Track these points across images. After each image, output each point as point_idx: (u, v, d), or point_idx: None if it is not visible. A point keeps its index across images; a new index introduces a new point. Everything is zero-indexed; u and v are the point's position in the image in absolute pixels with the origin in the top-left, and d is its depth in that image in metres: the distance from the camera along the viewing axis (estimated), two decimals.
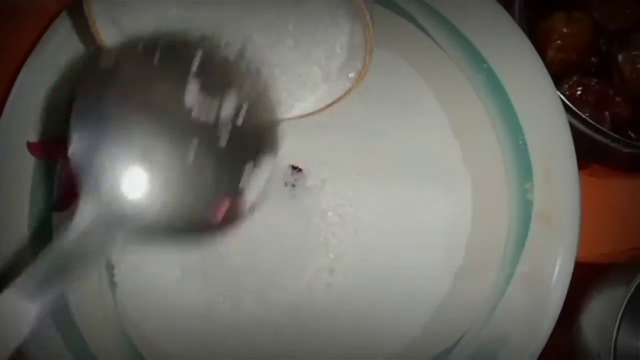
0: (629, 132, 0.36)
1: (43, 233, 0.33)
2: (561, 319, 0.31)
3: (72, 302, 0.34)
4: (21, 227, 0.33)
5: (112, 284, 0.36)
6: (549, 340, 0.31)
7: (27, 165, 0.33)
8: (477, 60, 0.35)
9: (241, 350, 0.35)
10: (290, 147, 0.36)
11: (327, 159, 0.37)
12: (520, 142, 0.34)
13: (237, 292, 0.35)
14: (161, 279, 0.35)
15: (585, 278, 0.33)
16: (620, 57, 0.36)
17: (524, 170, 0.34)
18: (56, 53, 0.33)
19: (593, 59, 0.39)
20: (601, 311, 0.30)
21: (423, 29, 0.36)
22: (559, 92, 0.33)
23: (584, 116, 0.34)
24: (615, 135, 0.34)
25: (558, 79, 0.37)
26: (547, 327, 0.31)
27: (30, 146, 0.33)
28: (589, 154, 0.36)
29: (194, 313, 0.35)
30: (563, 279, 0.31)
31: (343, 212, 0.36)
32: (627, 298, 0.28)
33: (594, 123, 0.34)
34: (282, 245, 0.35)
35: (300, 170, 0.36)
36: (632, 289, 0.28)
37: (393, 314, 0.35)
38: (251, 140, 0.26)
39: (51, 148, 0.34)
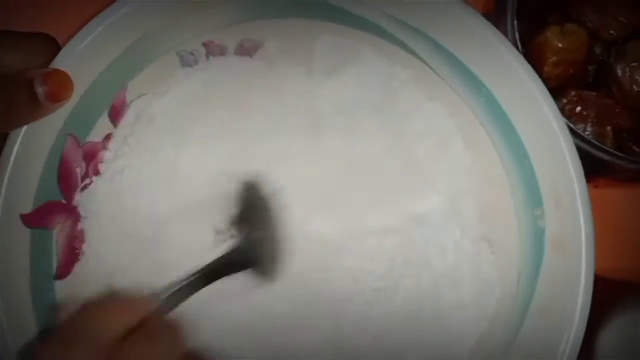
0: (632, 145, 0.36)
1: (47, 304, 0.32)
2: (582, 348, 0.31)
3: None
4: (24, 300, 0.32)
5: None
6: None
7: (24, 237, 0.32)
8: (475, 85, 0.34)
9: None
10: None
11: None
12: (527, 165, 0.33)
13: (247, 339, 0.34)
14: None
15: (602, 300, 0.32)
16: (618, 69, 0.36)
17: (533, 195, 0.33)
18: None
19: (589, 67, 0.38)
20: (625, 339, 0.30)
21: (419, 57, 0.35)
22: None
23: (586, 136, 0.34)
24: (620, 154, 0.34)
25: (555, 94, 0.36)
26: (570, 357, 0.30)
27: (24, 217, 0.31)
28: (591, 168, 0.36)
29: None
30: (582, 307, 0.31)
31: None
32: None
33: (597, 143, 0.34)
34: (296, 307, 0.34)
35: None
36: None
37: None
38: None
39: (44, 215, 0.33)
